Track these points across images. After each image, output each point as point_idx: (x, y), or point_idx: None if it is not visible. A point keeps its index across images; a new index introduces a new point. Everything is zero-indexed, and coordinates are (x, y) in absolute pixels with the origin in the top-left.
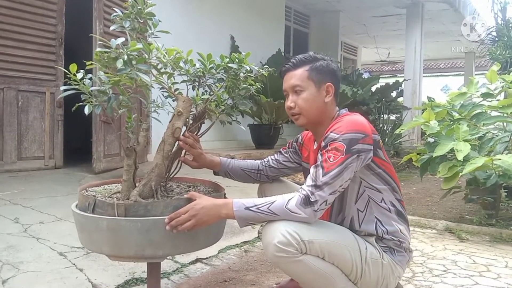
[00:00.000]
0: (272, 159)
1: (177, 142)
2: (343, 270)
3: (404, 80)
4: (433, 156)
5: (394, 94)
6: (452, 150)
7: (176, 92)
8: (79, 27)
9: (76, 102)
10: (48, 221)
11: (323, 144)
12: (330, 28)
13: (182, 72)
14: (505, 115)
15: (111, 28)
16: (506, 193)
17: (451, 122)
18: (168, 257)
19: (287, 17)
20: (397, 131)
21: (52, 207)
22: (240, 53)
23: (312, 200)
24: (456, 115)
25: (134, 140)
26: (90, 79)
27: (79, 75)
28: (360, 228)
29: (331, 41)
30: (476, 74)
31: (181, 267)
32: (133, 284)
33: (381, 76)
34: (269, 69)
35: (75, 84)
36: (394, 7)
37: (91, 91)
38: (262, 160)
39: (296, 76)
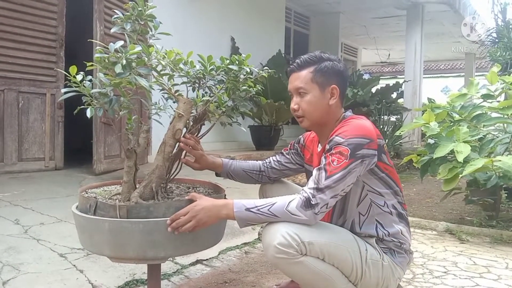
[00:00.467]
0: (273, 160)
1: (177, 144)
2: (343, 272)
3: (404, 81)
4: (434, 158)
5: (394, 95)
6: (452, 152)
7: (177, 94)
8: (80, 28)
9: (77, 104)
10: (49, 222)
11: (327, 147)
12: (330, 29)
13: (182, 74)
14: (506, 116)
15: (112, 30)
16: (506, 195)
17: (451, 124)
18: (168, 259)
19: (287, 19)
20: (397, 133)
21: (52, 209)
22: (241, 54)
23: (313, 202)
24: (457, 117)
25: (134, 141)
26: (90, 81)
27: (79, 77)
28: (361, 230)
29: (331, 42)
30: (476, 76)
31: (182, 269)
32: (133, 285)
33: (381, 77)
34: (269, 70)
35: (75, 86)
36: (394, 9)
37: (92, 93)
38: (264, 161)
39: (300, 78)
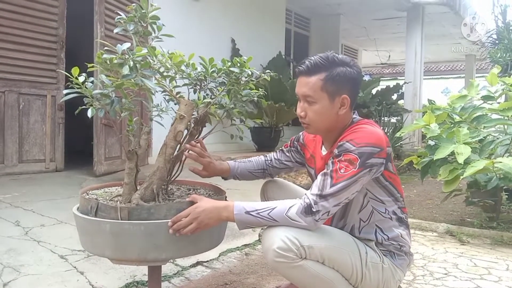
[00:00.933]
0: (275, 159)
1: (178, 146)
2: (343, 275)
3: (405, 82)
4: (434, 159)
5: (394, 96)
6: (452, 153)
7: (178, 96)
8: (80, 30)
9: (77, 105)
10: (49, 224)
11: (336, 152)
12: (330, 31)
13: (184, 76)
14: (506, 117)
15: (115, 30)
16: (507, 196)
17: (452, 125)
18: (169, 260)
19: (288, 20)
20: (397, 134)
21: (53, 210)
22: (241, 56)
23: (314, 210)
24: (457, 118)
25: (135, 143)
26: (92, 82)
27: (81, 79)
28: (360, 235)
29: (331, 44)
30: (476, 77)
31: (182, 270)
32: (134, 287)
33: (381, 78)
34: (271, 73)
35: (77, 88)
36: (395, 10)
37: (94, 94)
38: (266, 159)
39: (309, 85)
